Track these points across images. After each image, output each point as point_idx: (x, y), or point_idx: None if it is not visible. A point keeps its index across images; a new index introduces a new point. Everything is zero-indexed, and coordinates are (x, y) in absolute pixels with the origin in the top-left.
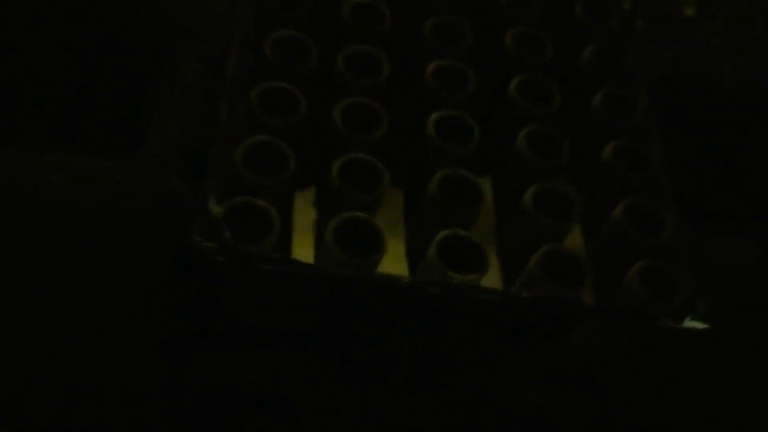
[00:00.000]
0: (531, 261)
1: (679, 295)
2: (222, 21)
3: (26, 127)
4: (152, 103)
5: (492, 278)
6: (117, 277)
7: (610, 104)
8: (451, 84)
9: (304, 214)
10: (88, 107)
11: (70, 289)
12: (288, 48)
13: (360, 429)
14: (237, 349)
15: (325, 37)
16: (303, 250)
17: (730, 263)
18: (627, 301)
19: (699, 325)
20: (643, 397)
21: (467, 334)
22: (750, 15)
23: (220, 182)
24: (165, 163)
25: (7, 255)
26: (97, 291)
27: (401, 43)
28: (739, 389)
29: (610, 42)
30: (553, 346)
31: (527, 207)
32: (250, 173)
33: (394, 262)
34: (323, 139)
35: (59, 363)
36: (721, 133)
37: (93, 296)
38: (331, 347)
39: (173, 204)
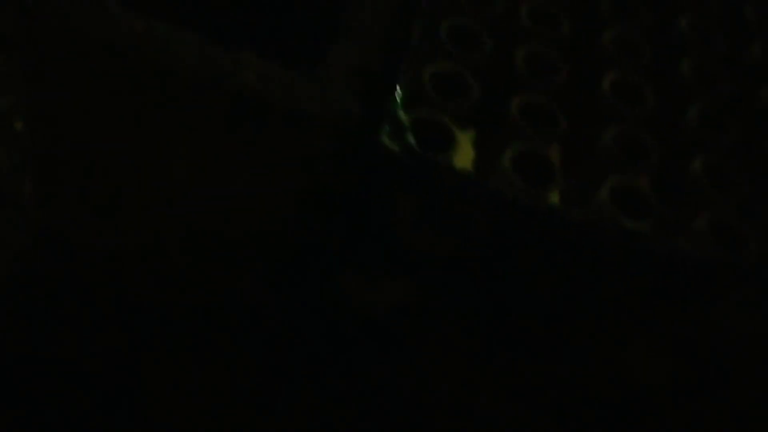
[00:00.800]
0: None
1: None
2: None
3: (228, 30)
4: (337, 25)
5: None
6: (283, 178)
7: None
8: (626, 53)
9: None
10: (283, 20)
11: (234, 179)
12: None
13: (475, 379)
14: (379, 274)
15: None
16: None
17: None
18: None
19: None
20: None
21: (615, 286)
22: None
23: (405, 97)
24: (342, 80)
25: (190, 136)
26: (259, 187)
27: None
28: None
29: None
30: (697, 315)
31: None
32: (436, 93)
33: None
34: (500, 81)
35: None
36: None
37: (255, 190)
38: (473, 285)
39: (346, 120)
